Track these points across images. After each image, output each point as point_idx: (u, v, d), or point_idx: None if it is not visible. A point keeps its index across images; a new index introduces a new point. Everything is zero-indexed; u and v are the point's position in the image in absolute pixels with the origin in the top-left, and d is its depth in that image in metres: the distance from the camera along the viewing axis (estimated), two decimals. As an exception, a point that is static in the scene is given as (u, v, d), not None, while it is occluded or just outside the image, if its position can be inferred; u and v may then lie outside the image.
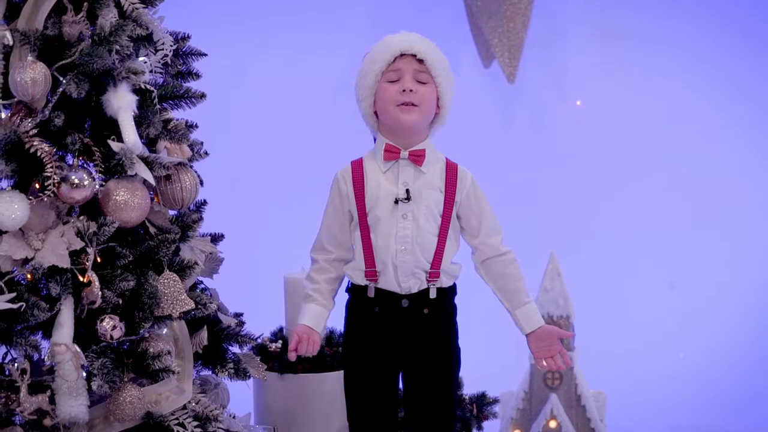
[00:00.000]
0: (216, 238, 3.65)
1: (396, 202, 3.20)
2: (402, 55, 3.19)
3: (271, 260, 4.57)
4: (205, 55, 3.61)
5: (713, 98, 5.53)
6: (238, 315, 3.65)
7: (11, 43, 3.16)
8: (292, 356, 3.19)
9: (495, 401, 4.12)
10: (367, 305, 3.25)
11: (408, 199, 3.20)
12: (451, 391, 3.31)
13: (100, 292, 3.09)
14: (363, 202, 3.23)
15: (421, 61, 3.19)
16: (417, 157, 3.22)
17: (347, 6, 5.50)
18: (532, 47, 5.38)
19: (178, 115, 3.47)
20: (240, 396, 3.84)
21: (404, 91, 3.18)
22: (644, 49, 5.60)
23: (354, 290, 3.28)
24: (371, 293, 3.24)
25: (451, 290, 3.29)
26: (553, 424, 4.29)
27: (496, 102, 5.65)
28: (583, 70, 5.65)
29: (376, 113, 3.27)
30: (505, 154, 5.56)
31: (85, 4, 3.21)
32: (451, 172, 3.26)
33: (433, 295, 3.23)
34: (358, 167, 3.26)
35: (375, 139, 3.29)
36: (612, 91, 5.59)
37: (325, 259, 3.27)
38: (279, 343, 4.00)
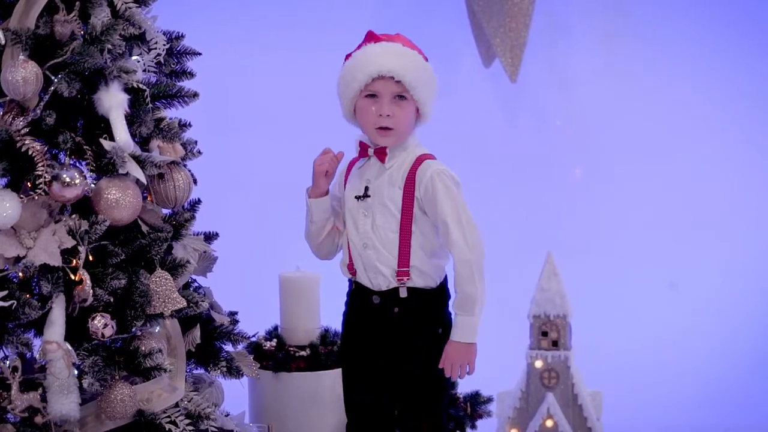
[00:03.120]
0: (210, 237, 3.65)
1: (357, 198, 3.24)
2: (380, 76, 3.20)
3: (266, 259, 4.58)
4: (199, 54, 3.61)
5: (714, 98, 5.51)
6: (232, 314, 3.66)
7: (3, 42, 3.17)
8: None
9: (489, 400, 4.12)
10: (350, 299, 3.32)
11: (366, 196, 3.23)
12: (426, 390, 3.26)
13: (91, 291, 3.10)
14: (344, 197, 3.31)
15: (399, 81, 3.19)
16: (380, 155, 3.25)
17: (347, 5, 5.50)
18: (534, 47, 5.37)
19: (173, 114, 3.47)
20: (235, 394, 3.84)
21: (381, 115, 3.20)
22: (646, 48, 5.58)
23: (348, 284, 3.33)
24: (351, 287, 3.31)
25: (431, 294, 3.25)
26: (549, 423, 4.29)
27: (498, 102, 5.65)
28: (585, 69, 5.63)
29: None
30: (507, 154, 5.56)
31: (77, 3, 3.22)
32: (414, 167, 3.23)
33: (403, 294, 3.22)
34: (351, 163, 3.34)
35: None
36: (614, 91, 5.57)
37: None
38: (274, 342, 4.01)
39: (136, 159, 3.21)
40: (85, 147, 3.22)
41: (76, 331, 3.13)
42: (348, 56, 3.27)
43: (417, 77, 3.19)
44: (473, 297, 3.16)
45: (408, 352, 3.23)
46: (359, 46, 3.26)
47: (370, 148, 3.25)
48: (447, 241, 3.19)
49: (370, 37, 3.25)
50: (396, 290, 3.22)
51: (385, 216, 3.22)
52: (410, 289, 3.22)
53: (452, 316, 3.22)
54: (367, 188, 3.23)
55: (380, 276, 3.22)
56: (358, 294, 3.27)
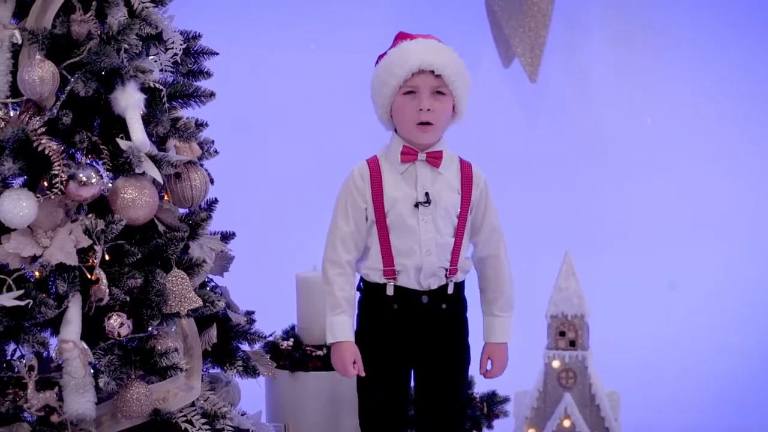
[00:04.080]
0: (227, 237, 3.65)
1: (416, 205, 3.21)
2: (420, 71, 3.18)
3: (282, 259, 4.58)
4: (217, 54, 3.61)
5: (714, 98, 5.51)
6: (249, 313, 3.66)
7: (20, 41, 3.18)
8: (352, 374, 3.22)
9: (506, 400, 4.11)
10: (385, 303, 3.26)
11: (428, 202, 3.21)
12: (462, 386, 3.35)
13: (107, 290, 3.11)
14: (381, 203, 3.22)
15: (438, 75, 3.18)
16: (434, 159, 3.23)
17: (367, 5, 5.50)
18: (553, 47, 5.37)
19: (190, 113, 3.48)
20: (252, 393, 3.85)
21: (421, 110, 3.17)
22: (663, 48, 5.58)
23: (369, 288, 3.28)
24: (390, 291, 3.25)
25: (463, 284, 3.32)
26: (567, 423, 4.28)
27: (518, 102, 5.64)
28: (604, 69, 5.63)
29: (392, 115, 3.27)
30: (526, 154, 5.56)
31: (94, 2, 3.22)
32: (467, 172, 3.27)
33: (450, 290, 3.27)
34: (375, 167, 3.26)
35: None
36: (631, 92, 5.57)
37: (348, 262, 3.24)
38: (290, 341, 4.01)
39: (153, 158, 3.22)
40: (101, 146, 3.22)
41: (93, 331, 3.13)
42: (381, 56, 3.25)
43: (455, 71, 3.19)
44: (512, 298, 3.35)
45: (453, 347, 3.30)
46: (393, 45, 3.25)
47: (419, 152, 3.22)
48: (492, 246, 3.32)
49: (404, 36, 3.24)
50: (444, 287, 3.26)
51: (445, 221, 3.23)
52: (454, 284, 3.28)
53: (493, 319, 3.35)
54: (427, 194, 3.21)
55: (434, 278, 3.24)
56: (398, 297, 3.24)
